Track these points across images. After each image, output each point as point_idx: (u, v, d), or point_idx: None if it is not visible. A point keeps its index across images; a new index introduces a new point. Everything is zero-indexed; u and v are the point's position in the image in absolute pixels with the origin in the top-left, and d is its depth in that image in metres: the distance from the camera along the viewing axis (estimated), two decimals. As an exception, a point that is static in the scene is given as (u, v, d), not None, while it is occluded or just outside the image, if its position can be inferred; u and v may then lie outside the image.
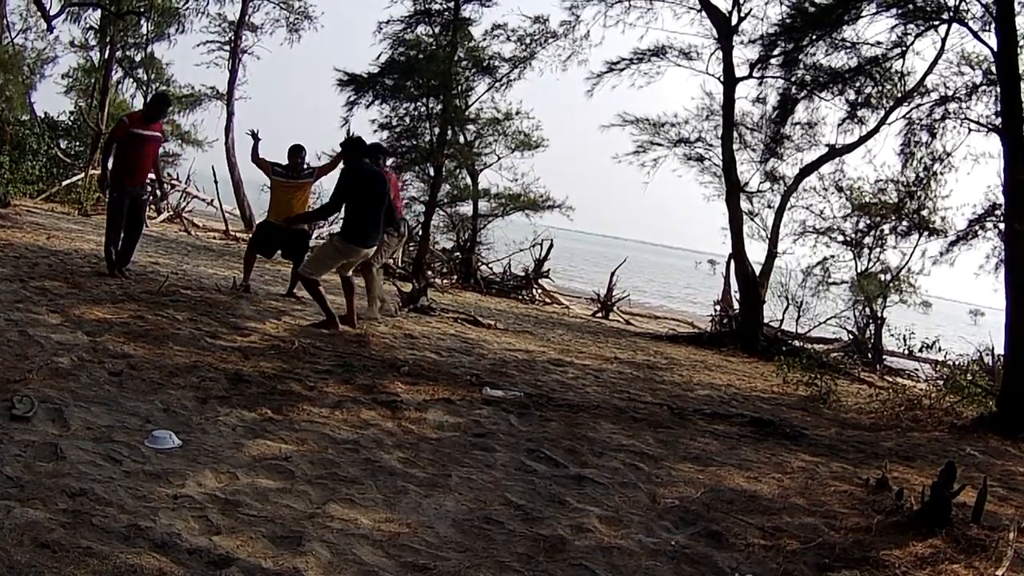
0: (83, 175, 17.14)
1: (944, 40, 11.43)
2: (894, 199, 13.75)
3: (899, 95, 12.01)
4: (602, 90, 13.69)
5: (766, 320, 12.55)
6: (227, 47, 21.51)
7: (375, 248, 7.45)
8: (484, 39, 15.11)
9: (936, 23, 10.62)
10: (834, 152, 12.88)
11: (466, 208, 15.88)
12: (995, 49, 7.70)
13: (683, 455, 4.88)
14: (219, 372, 5.13)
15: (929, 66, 11.73)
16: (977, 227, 12.45)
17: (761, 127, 13.20)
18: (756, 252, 12.76)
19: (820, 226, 14.46)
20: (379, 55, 14.81)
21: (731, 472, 4.60)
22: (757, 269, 12.40)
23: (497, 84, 15.14)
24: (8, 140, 16.02)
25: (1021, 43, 8.01)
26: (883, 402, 7.79)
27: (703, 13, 12.61)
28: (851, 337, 14.11)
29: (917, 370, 13.14)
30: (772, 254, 12.68)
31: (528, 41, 14.82)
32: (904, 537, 3.67)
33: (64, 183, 17.30)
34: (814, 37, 11.32)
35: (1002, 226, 9.87)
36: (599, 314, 15.96)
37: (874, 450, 5.68)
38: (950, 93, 11.59)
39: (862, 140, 12.59)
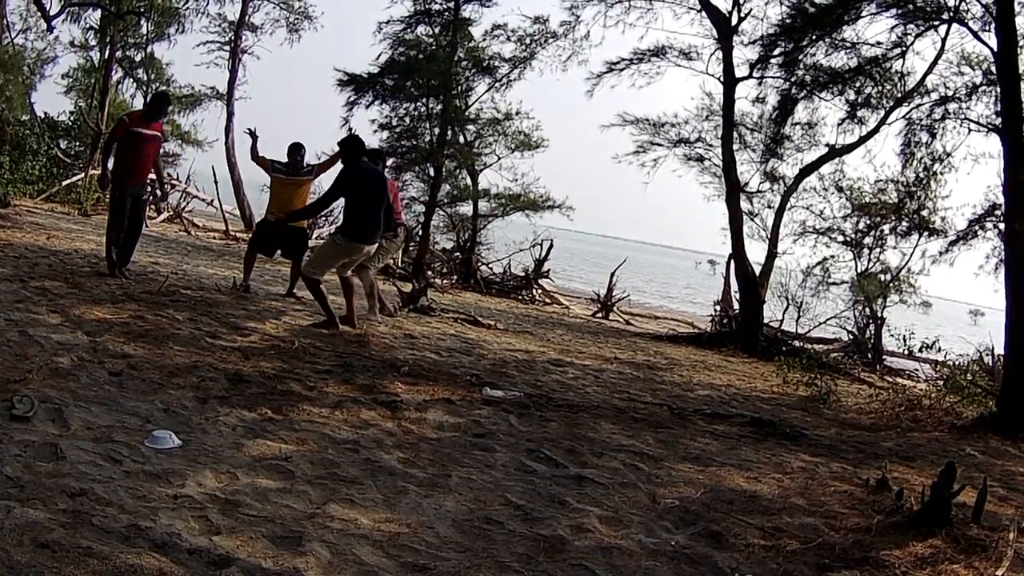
0: (83, 175, 17.13)
1: (944, 40, 11.45)
2: (894, 199, 13.73)
3: (899, 95, 12.01)
4: (602, 90, 13.72)
5: (766, 320, 12.55)
6: (227, 47, 21.49)
7: (376, 245, 7.45)
8: (484, 39, 15.14)
9: (936, 23, 10.63)
10: (834, 152, 12.88)
11: (466, 208, 15.89)
12: (995, 49, 7.71)
13: (683, 455, 4.88)
14: (219, 372, 5.13)
15: (929, 66, 11.76)
16: (977, 227, 12.43)
17: (761, 127, 13.20)
18: (756, 252, 12.79)
19: (820, 226, 14.45)
20: (379, 55, 14.84)
21: (731, 472, 4.60)
22: (757, 269, 12.40)
23: (497, 84, 15.14)
24: (8, 140, 16.02)
25: (1021, 43, 8.01)
26: (883, 402, 7.79)
27: (703, 13, 12.61)
28: (851, 337, 14.09)
29: (917, 370, 13.13)
30: (772, 254, 12.69)
31: (528, 41, 14.83)
32: (904, 537, 3.67)
33: (64, 183, 17.30)
34: (814, 37, 11.32)
35: (1002, 226, 9.87)
36: (599, 314, 15.95)
37: (874, 450, 5.68)
38: (950, 93, 11.60)
39: (862, 140, 12.59)
